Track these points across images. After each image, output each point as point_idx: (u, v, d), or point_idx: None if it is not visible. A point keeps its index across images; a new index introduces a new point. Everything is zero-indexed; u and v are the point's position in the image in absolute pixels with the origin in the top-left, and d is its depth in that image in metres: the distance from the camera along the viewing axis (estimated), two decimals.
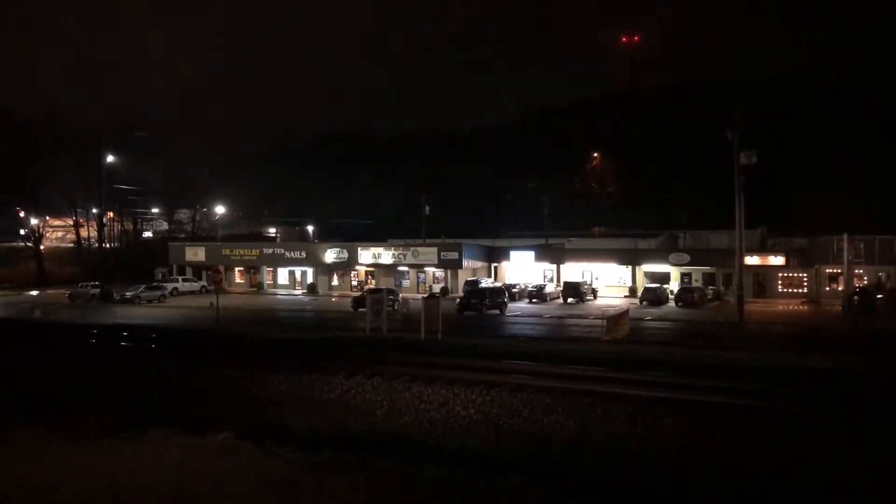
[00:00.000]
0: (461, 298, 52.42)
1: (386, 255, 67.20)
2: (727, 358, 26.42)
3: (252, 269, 74.75)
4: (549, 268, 65.59)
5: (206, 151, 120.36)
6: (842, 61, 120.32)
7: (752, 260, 55.04)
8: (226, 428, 17.56)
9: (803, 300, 55.47)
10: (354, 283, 69.72)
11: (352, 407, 20.20)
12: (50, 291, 73.24)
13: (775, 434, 15.63)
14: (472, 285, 58.06)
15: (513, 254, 67.14)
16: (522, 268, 66.77)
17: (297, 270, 72.66)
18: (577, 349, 28.74)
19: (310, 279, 71.26)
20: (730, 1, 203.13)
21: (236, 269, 75.09)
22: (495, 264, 68.49)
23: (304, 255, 71.54)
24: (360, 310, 44.31)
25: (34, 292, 74.46)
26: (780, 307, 52.40)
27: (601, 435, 16.59)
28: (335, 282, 70.87)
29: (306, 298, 65.60)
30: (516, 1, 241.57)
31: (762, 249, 60.91)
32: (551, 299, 58.37)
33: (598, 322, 36.88)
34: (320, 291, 69.25)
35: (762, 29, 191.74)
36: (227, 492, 13.48)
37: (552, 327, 42.37)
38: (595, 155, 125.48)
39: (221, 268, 63.14)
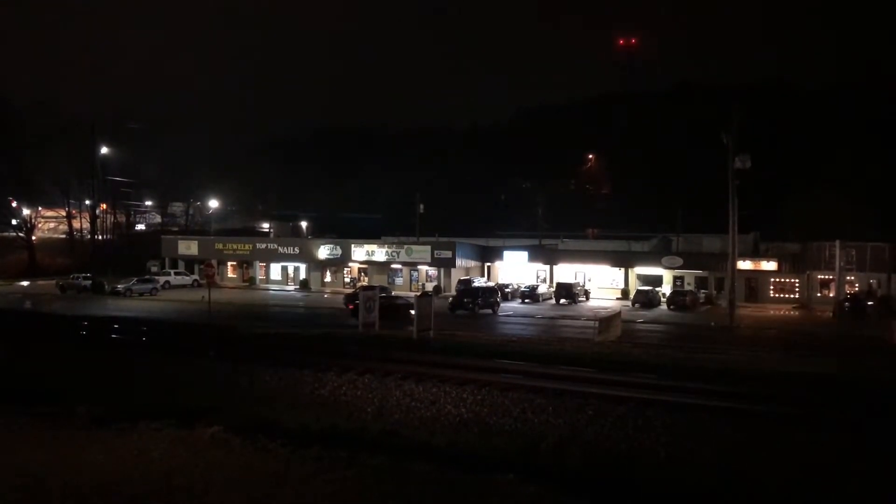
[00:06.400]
0: (453, 297, 52.44)
1: (379, 253, 67.15)
2: (718, 361, 26.54)
3: (245, 263, 74.58)
4: (542, 268, 65.67)
5: (200, 145, 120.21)
6: (837, 66, 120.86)
7: (744, 264, 55.20)
8: (216, 421, 17.55)
9: (795, 305, 55.67)
10: (347, 279, 69.65)
11: (343, 403, 20.20)
12: (41, 282, 72.90)
13: (763, 436, 15.70)
14: (465, 284, 58.05)
15: (506, 254, 67.19)
16: (515, 268, 66.83)
17: (290, 266, 72.54)
18: (568, 350, 28.81)
19: (302, 275, 71.17)
20: (728, 3, 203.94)
21: (229, 263, 74.92)
22: (488, 264, 68.52)
23: (297, 250, 71.42)
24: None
25: (25, 283, 74.14)
26: (772, 312, 52.58)
27: (592, 435, 16.63)
28: (328, 278, 70.76)
29: (298, 294, 65.49)
30: (515, 1, 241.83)
31: (755, 254, 61.11)
32: (544, 300, 58.44)
33: (591, 323, 36.91)
34: (313, 288, 69.15)
35: (759, 32, 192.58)
36: (217, 485, 13.46)
37: (544, 328, 42.40)
38: (590, 156, 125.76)
39: (214, 262, 62.99)
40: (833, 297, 51.96)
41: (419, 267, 66.53)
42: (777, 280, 58.63)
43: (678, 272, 60.96)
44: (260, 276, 73.71)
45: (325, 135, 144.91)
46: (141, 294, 61.29)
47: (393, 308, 41.58)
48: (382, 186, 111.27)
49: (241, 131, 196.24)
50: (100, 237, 78.13)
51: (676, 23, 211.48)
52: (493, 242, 73.44)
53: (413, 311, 39.96)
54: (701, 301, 56.28)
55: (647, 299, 54.66)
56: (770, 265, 58.08)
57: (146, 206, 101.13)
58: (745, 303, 54.35)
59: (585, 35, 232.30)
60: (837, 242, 50.35)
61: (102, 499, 12.79)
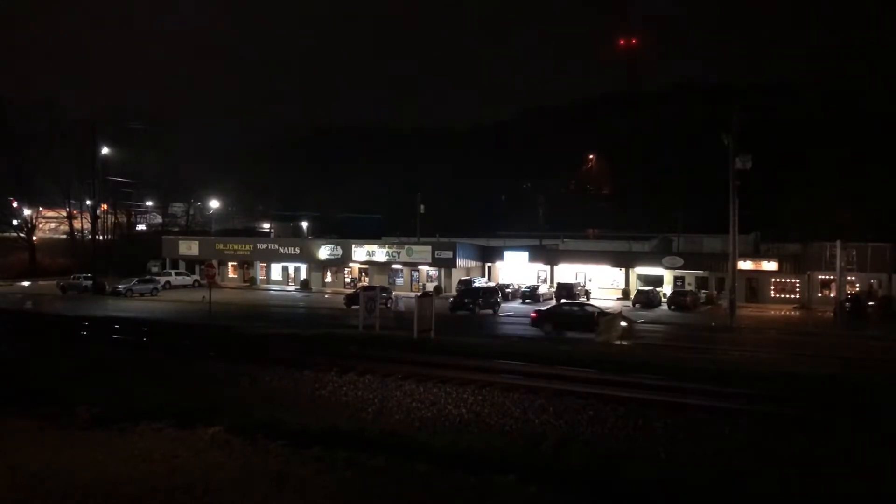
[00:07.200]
0: (454, 298, 52.47)
1: (380, 253, 67.16)
2: (718, 362, 26.53)
3: (245, 264, 74.64)
4: (542, 269, 65.66)
5: (200, 145, 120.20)
6: (839, 66, 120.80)
7: (745, 265, 55.20)
8: (217, 422, 17.51)
9: (795, 306, 55.65)
10: (348, 280, 69.68)
11: (343, 404, 20.18)
12: (42, 282, 72.99)
13: (764, 437, 15.69)
14: (466, 285, 58.10)
15: (507, 254, 67.18)
16: (516, 268, 66.83)
17: (291, 266, 72.58)
18: (569, 350, 28.80)
19: (303, 275, 71.20)
20: (730, 4, 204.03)
21: (229, 263, 74.98)
22: (489, 264, 68.53)
23: (297, 251, 71.46)
24: (353, 307, 44.34)
25: (26, 283, 74.23)
26: (773, 312, 52.57)
27: (592, 436, 16.62)
28: (328, 278, 70.80)
29: (299, 294, 65.51)
30: (516, 1, 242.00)
31: (755, 254, 61.10)
32: (544, 300, 58.42)
33: None
34: (313, 288, 69.19)
35: (761, 33, 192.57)
36: (217, 485, 13.44)
37: None
38: (591, 156, 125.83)
39: (215, 262, 63.04)
40: (834, 297, 51.90)
41: (420, 267, 66.53)
42: (778, 280, 58.62)
43: (679, 272, 60.97)
44: (260, 276, 73.75)
45: (325, 134, 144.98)
46: (142, 294, 61.36)
47: (578, 319, 36.48)
48: (383, 186, 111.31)
49: (241, 131, 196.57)
50: (100, 237, 78.23)
51: (677, 23, 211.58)
52: (493, 243, 73.46)
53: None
54: (701, 301, 56.29)
55: (647, 299, 54.69)
56: (771, 265, 58.08)
57: (147, 207, 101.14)
58: (746, 303, 54.37)
59: (587, 36, 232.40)
60: (838, 242, 50.29)
61: (103, 499, 12.78)
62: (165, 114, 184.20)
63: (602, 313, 36.51)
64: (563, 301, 44.50)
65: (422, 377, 21.35)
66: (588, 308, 38.46)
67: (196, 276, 70.26)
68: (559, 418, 17.72)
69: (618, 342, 32.77)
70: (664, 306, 54.59)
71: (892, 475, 13.95)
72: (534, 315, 38.91)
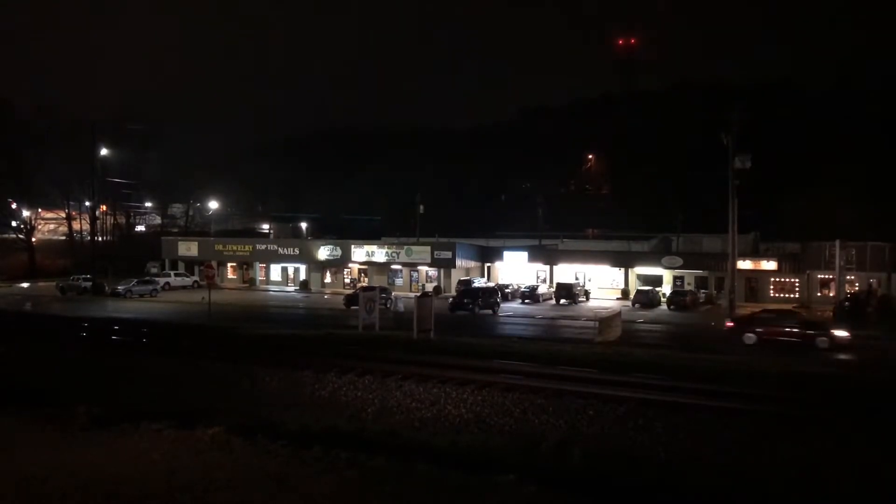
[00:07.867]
0: (453, 298, 52.44)
1: (379, 253, 67.13)
2: (718, 361, 26.52)
3: (245, 264, 74.58)
4: (542, 269, 65.62)
5: (200, 145, 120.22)
6: (838, 65, 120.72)
7: (744, 264, 55.15)
8: (217, 422, 17.54)
9: (795, 305, 55.57)
10: (347, 280, 69.63)
11: (343, 404, 20.20)
12: (41, 284, 72.94)
13: (763, 437, 15.69)
14: (465, 285, 58.05)
15: (506, 254, 67.14)
16: (515, 268, 66.79)
17: (290, 267, 72.53)
18: (569, 350, 28.78)
19: (302, 276, 71.15)
20: (729, 3, 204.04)
21: (229, 264, 74.90)
22: (488, 264, 68.48)
23: (297, 251, 71.41)
24: (353, 307, 44.33)
25: (25, 284, 74.14)
26: None
27: (592, 435, 16.63)
28: (328, 279, 70.74)
29: (299, 295, 65.47)
30: (515, 1, 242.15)
31: (755, 254, 61.05)
32: (544, 300, 58.42)
33: (591, 324, 36.90)
34: (313, 288, 69.14)
35: (760, 32, 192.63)
36: (218, 485, 13.46)
37: (544, 328, 42.41)
38: (590, 156, 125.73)
39: (214, 263, 62.98)
40: (833, 296, 51.89)
41: (419, 267, 66.51)
42: (777, 280, 58.59)
43: (678, 272, 60.93)
44: (260, 277, 73.70)
45: (325, 135, 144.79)
46: (141, 295, 61.27)
47: (795, 336, 31.85)
48: (383, 187, 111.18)
49: (241, 132, 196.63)
50: (100, 238, 78.14)
51: (677, 22, 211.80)
52: (493, 243, 73.40)
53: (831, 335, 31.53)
54: (701, 301, 56.24)
55: (647, 299, 54.62)
56: (770, 265, 58.05)
57: (146, 208, 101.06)
58: (746, 303, 54.24)
59: (586, 35, 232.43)
60: (837, 242, 50.29)
61: (103, 499, 12.80)
62: (165, 114, 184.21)
63: (821, 327, 32.85)
64: (769, 308, 39.10)
65: (422, 377, 21.34)
66: (803, 318, 33.54)
67: (195, 277, 70.19)
68: (559, 418, 17.72)
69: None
70: (663, 306, 54.53)
71: (892, 475, 13.96)
72: (730, 324, 34.94)
